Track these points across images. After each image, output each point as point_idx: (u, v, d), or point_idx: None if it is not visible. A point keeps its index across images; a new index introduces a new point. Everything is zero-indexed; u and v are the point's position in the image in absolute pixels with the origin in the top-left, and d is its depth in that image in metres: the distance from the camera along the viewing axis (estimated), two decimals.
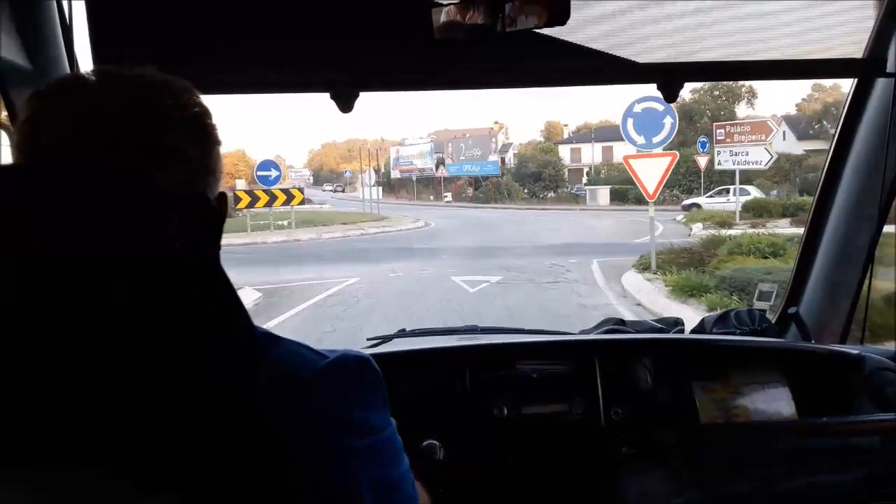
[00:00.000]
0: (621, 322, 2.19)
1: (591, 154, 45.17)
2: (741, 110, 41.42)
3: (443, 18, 1.44)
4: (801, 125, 40.33)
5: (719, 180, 30.43)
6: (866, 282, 2.00)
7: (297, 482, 0.69)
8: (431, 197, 46.41)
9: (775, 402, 1.91)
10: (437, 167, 45.34)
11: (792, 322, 2.11)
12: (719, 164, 21.76)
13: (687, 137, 39.82)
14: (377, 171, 49.48)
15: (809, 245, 2.11)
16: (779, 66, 1.80)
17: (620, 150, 42.26)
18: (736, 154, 20.26)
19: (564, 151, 47.20)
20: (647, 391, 1.91)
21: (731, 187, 27.60)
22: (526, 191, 42.06)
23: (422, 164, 47.17)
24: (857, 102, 1.96)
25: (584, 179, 42.76)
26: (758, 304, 2.21)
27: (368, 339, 2.09)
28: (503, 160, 46.31)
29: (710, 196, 28.48)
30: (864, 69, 1.85)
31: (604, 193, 35.79)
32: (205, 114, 0.83)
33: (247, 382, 0.68)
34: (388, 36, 1.62)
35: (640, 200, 30.68)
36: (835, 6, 1.79)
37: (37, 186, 0.65)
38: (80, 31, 1.47)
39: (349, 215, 29.66)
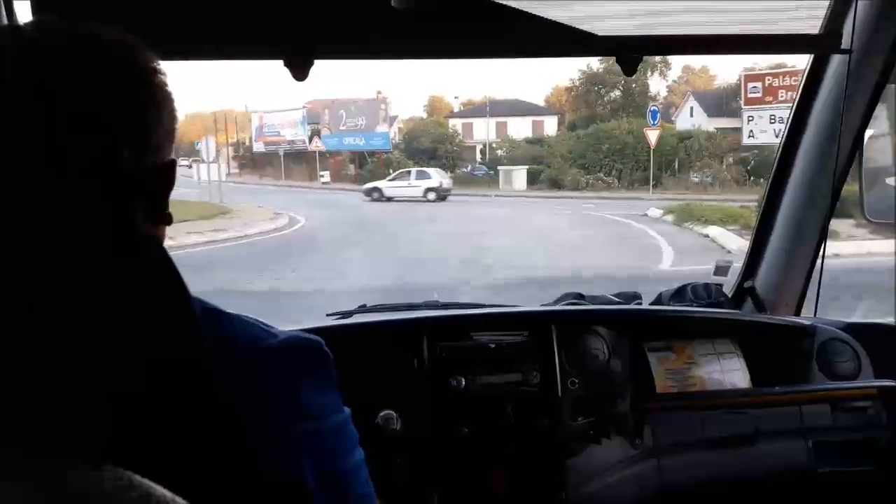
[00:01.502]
0: (580, 296, 2.19)
1: (486, 130, 39.30)
2: (654, 83, 39.66)
3: None
4: (712, 101, 35.52)
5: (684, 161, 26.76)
6: (819, 256, 2.04)
7: (243, 462, 0.66)
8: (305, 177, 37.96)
9: (730, 372, 1.95)
10: (310, 139, 36.66)
11: (747, 296, 2.14)
12: (751, 135, 18.61)
13: (596, 111, 37.66)
14: (235, 145, 42.65)
15: (765, 220, 2.14)
16: (737, 40, 1.80)
17: (516, 126, 38.99)
18: (774, 120, 16.04)
19: (455, 127, 40.19)
20: (603, 362, 1.92)
21: (412, 170, 27.04)
22: None
23: (292, 136, 37.53)
24: (812, 78, 1.98)
25: (478, 157, 37.23)
26: (714, 279, 2.24)
27: (328, 315, 2.07)
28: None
29: (392, 179, 26.51)
30: (821, 45, 1.86)
31: (520, 176, 30.48)
32: (156, 70, 0.76)
33: (190, 356, 0.64)
34: (345, 2, 1.58)
35: (556, 184, 28.05)
36: None
37: None
38: None
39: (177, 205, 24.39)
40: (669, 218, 17.17)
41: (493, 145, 37.18)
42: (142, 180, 0.72)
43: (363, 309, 2.10)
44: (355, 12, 1.57)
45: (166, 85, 0.76)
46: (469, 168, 34.57)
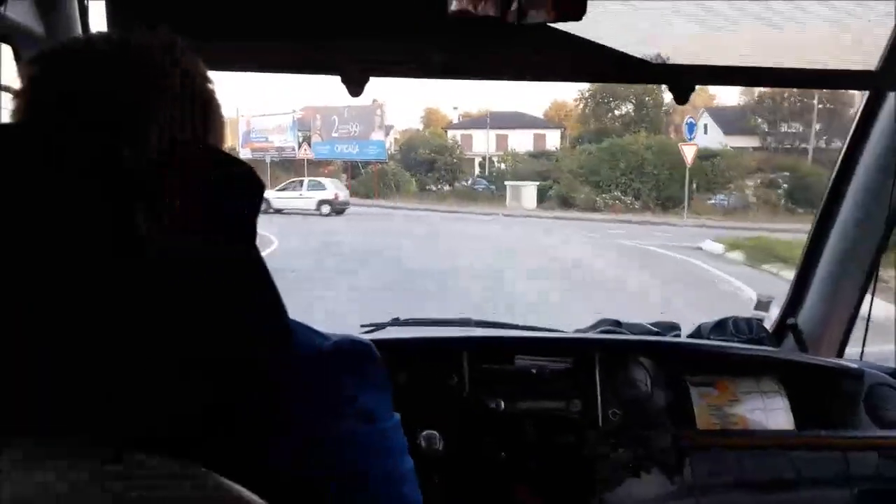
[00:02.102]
0: (617, 323, 2.17)
1: (486, 142, 37.81)
2: (668, 95, 37.83)
3: (455, 7, 1.37)
4: (729, 118, 33.74)
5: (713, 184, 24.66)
6: (867, 296, 2.01)
7: (299, 458, 0.68)
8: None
9: (773, 412, 1.90)
10: (299, 146, 34.38)
11: (789, 332, 2.11)
12: None
13: (605, 125, 35.54)
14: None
15: (811, 255, 2.11)
16: (791, 73, 1.78)
17: (517, 140, 37.25)
18: None
19: (454, 138, 38.28)
20: (644, 394, 1.91)
21: (304, 180, 25.52)
22: (414, 181, 33.26)
23: (281, 142, 34.87)
24: (867, 114, 1.96)
25: (477, 170, 35.84)
26: (755, 313, 2.20)
27: (362, 326, 2.06)
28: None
29: (281, 189, 24.64)
30: (877, 81, 1.83)
31: (530, 193, 27.81)
32: (206, 79, 0.77)
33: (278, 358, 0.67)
34: (401, 22, 1.56)
35: (566, 202, 26.01)
36: (852, 17, 1.76)
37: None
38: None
39: None
40: (737, 255, 13.49)
41: (495, 159, 35.93)
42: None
43: (396, 322, 2.08)
44: (411, 32, 1.56)
45: (215, 93, 0.78)
46: (470, 182, 33.28)
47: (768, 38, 1.78)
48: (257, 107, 36.47)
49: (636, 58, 1.68)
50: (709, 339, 2.14)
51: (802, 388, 1.95)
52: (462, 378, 1.87)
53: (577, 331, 2.19)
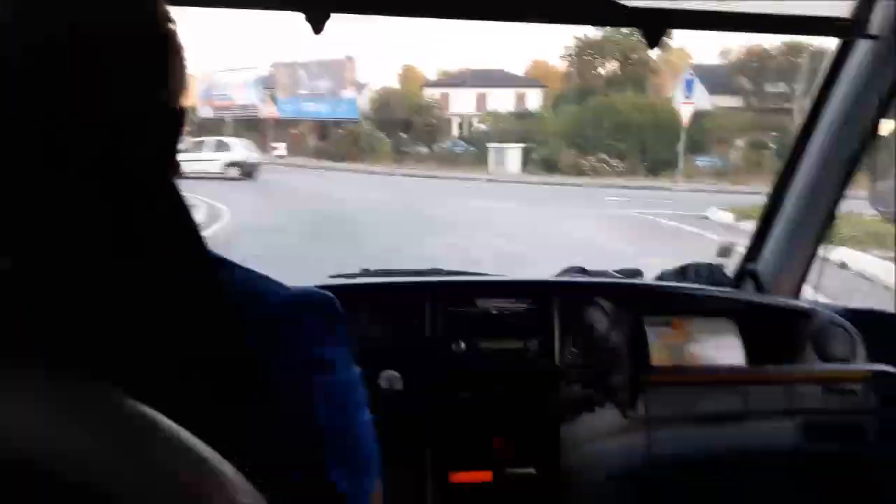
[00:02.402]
0: (583, 270, 2.22)
1: (465, 101, 34.99)
2: (654, 53, 31.84)
3: None
4: (715, 77, 30.73)
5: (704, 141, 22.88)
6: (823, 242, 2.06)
7: (264, 409, 0.65)
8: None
9: (726, 350, 1.97)
10: (266, 108, 31.32)
11: (748, 277, 2.16)
12: None
13: (589, 81, 33.81)
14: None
15: (773, 203, 2.14)
16: (764, 19, 1.77)
17: (498, 99, 34.26)
18: None
19: (432, 96, 35.46)
20: (602, 333, 1.94)
21: (207, 139, 22.62)
22: (390, 143, 30.25)
23: (244, 100, 31.48)
24: (837, 64, 1.97)
25: (456, 131, 33.59)
26: (717, 260, 2.26)
27: (331, 276, 2.07)
28: None
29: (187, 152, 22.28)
30: (848, 30, 1.84)
31: (514, 156, 25.95)
32: (167, 18, 0.70)
33: (209, 307, 0.63)
34: None
35: (549, 165, 24.65)
36: None
37: None
38: None
39: None
40: (749, 225, 8.03)
41: (475, 119, 33.49)
42: (171, 129, 0.70)
43: (367, 272, 2.11)
44: None
45: (177, 34, 0.71)
46: (449, 143, 30.81)
47: None
48: (219, 62, 33.83)
49: (610, 0, 1.68)
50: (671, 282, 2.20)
51: (756, 327, 2.01)
52: (424, 321, 1.91)
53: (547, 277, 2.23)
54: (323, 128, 30.75)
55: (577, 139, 25.69)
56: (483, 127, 31.45)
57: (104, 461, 0.44)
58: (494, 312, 1.93)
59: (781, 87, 30.22)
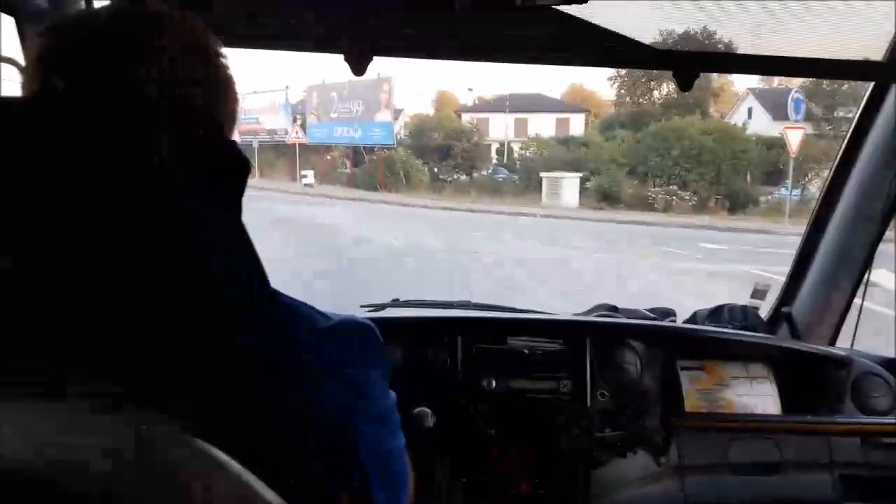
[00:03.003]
0: (614, 308, 2.20)
1: (505, 128, 32.43)
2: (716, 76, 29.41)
3: None
4: (776, 102, 26.02)
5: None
6: (861, 287, 2.02)
7: (305, 438, 0.69)
8: (286, 175, 28.96)
9: (761, 397, 1.93)
10: (292, 134, 28.58)
11: (783, 321, 2.12)
12: None
13: (642, 107, 31.68)
14: None
15: (808, 246, 2.11)
16: (796, 63, 1.77)
17: (538, 124, 32.36)
18: None
19: (471, 122, 32.40)
20: (635, 376, 1.93)
21: None
22: (427, 170, 27.25)
23: (273, 123, 29.24)
24: (871, 106, 1.95)
25: (495, 158, 31.37)
26: (751, 302, 2.22)
27: (362, 307, 2.10)
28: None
29: None
30: (882, 73, 1.82)
31: (571, 186, 22.36)
32: (225, 65, 0.78)
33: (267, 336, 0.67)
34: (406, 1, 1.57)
35: (608, 197, 20.67)
36: (858, 7, 1.76)
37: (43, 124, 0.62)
38: None
39: None
40: None
41: (516, 145, 31.25)
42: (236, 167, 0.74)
43: (396, 303, 2.13)
44: (416, 12, 1.55)
45: (228, 68, 0.78)
46: (491, 170, 28.49)
47: (772, 27, 1.77)
48: (246, 83, 28.48)
49: (640, 43, 1.69)
50: (703, 325, 2.17)
51: (791, 374, 1.97)
52: (455, 357, 1.91)
53: (575, 314, 2.22)
54: (356, 154, 27.81)
55: (638, 167, 22.67)
56: (526, 153, 29.24)
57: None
58: (525, 351, 1.92)
59: (852, 112, 27.95)
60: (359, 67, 1.55)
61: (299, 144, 27.90)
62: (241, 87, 0.81)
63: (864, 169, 1.98)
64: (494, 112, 34.22)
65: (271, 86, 29.77)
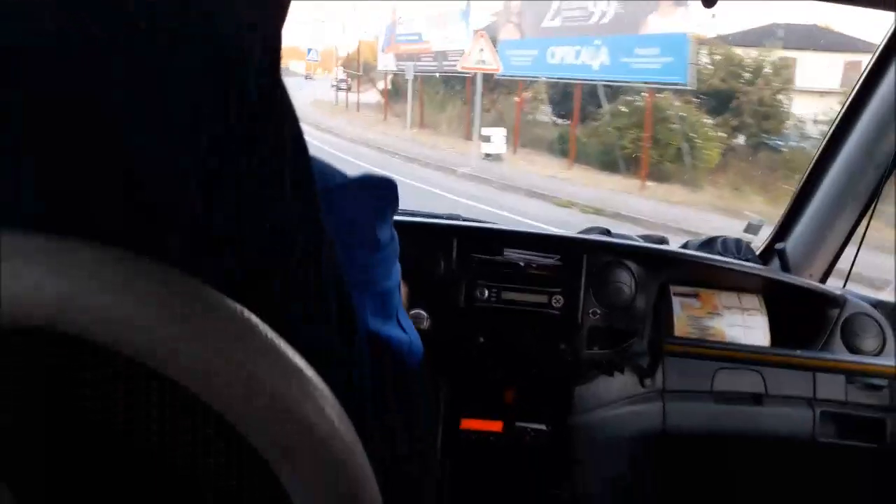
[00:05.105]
0: (607, 231, 2.18)
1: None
2: None
3: None
4: None
5: None
6: (860, 228, 2.00)
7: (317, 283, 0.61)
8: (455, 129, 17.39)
9: (751, 329, 1.94)
10: (475, 56, 14.27)
11: (775, 256, 2.11)
12: None
13: None
14: (347, 61, 24.44)
15: (809, 185, 2.09)
16: None
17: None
18: None
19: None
20: (627, 297, 1.92)
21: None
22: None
23: (443, 41, 17.91)
24: (886, 49, 1.88)
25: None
26: (745, 236, 2.20)
27: None
28: None
29: None
30: None
31: None
32: None
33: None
34: None
35: None
36: None
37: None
38: None
39: None
40: None
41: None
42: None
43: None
44: None
45: None
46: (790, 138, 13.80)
47: None
48: None
49: None
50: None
51: (783, 308, 1.97)
52: (450, 263, 1.89)
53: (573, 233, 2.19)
54: (587, 96, 14.24)
55: None
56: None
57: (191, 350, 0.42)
58: (521, 264, 1.89)
59: None
60: None
61: (482, 75, 14.72)
62: None
63: (875, 112, 1.94)
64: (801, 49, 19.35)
65: None
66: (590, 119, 14.49)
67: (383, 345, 0.81)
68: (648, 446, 1.94)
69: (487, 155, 14.36)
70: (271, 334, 0.46)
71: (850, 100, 2.00)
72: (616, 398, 1.95)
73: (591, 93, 14.13)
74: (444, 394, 1.90)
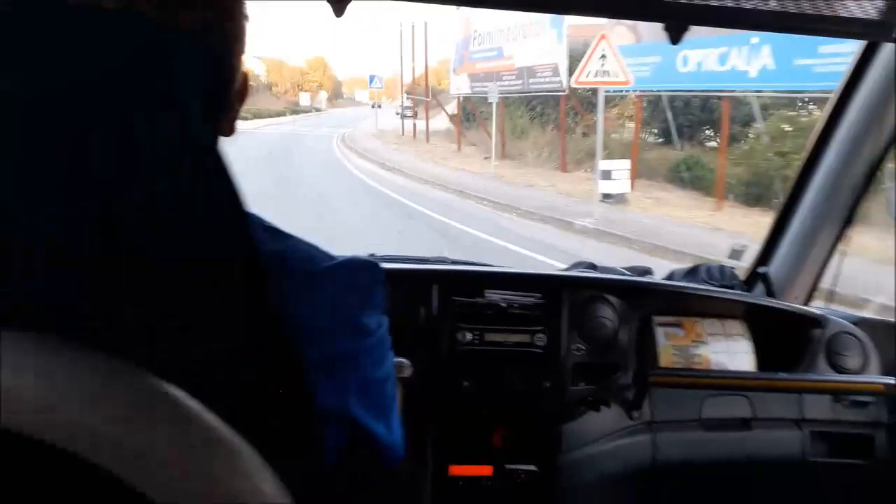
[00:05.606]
0: (592, 266, 2.19)
1: None
2: None
3: None
4: None
5: None
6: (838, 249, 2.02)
7: (290, 373, 0.66)
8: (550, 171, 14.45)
9: (736, 354, 1.94)
10: (594, 66, 10.38)
11: (760, 281, 2.12)
12: None
13: None
14: (411, 87, 23.25)
15: (788, 207, 2.10)
16: (790, 18, 1.68)
17: None
18: None
19: None
20: (610, 331, 1.93)
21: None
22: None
23: (530, 56, 15.33)
24: (861, 66, 1.91)
25: None
26: (728, 262, 2.23)
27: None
28: None
29: None
30: (874, 31, 1.74)
31: None
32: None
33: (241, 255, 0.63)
34: None
35: None
36: None
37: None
38: None
39: None
40: None
41: None
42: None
43: (372, 258, 2.01)
44: None
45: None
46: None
47: None
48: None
49: None
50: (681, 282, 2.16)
51: (767, 332, 1.98)
52: (431, 309, 1.90)
53: (555, 271, 2.21)
54: (709, 118, 12.55)
55: None
56: None
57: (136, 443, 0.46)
58: (503, 304, 1.90)
59: None
60: (339, 8, 1.27)
61: (600, 91, 11.31)
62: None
63: (848, 131, 1.96)
64: None
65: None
66: (735, 141, 11.28)
67: (363, 435, 0.79)
68: (640, 479, 1.93)
69: (606, 196, 11.14)
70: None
71: (823, 123, 2.02)
72: (605, 433, 1.94)
73: (704, 107, 10.73)
74: (431, 441, 1.89)
